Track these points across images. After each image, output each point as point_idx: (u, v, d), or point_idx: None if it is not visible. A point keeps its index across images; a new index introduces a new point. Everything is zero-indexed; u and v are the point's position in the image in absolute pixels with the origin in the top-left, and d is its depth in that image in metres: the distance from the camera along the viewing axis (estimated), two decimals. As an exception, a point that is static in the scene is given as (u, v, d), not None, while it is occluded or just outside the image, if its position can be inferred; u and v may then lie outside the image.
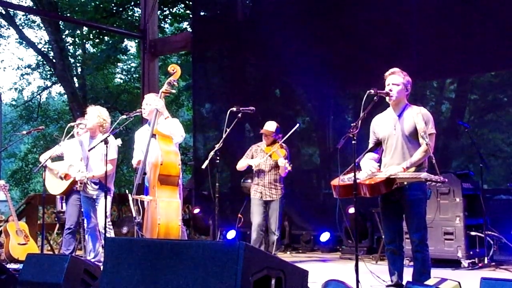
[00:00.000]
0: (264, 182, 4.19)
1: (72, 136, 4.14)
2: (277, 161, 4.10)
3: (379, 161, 2.88)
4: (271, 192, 4.17)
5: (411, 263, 2.95)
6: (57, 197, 4.87)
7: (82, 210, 4.00)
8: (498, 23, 4.86)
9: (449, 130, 5.83)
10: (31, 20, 12.92)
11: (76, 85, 11.99)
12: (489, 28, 4.91)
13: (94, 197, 3.83)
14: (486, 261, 4.06)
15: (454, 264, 4.04)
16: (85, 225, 3.92)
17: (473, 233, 4.11)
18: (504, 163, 6.08)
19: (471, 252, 4.08)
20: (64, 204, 4.45)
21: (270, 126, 4.23)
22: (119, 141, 3.84)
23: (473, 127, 5.76)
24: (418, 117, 2.73)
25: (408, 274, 2.85)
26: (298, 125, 4.31)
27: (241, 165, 4.33)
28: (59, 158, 4.28)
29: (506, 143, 6.37)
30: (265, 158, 4.16)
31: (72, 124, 4.10)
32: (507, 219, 4.18)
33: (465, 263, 4.02)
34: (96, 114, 3.86)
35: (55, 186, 4.15)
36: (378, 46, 5.51)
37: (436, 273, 2.83)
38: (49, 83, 13.59)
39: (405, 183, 2.72)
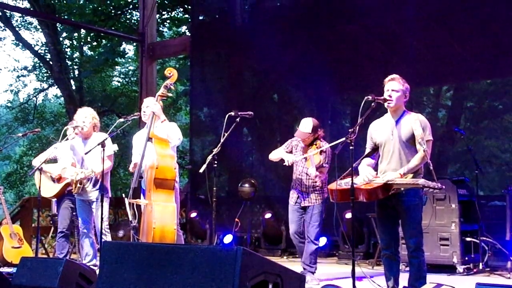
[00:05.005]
0: (302, 186, 3.68)
1: (66, 138, 4.13)
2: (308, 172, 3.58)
3: (376, 166, 2.89)
4: (310, 196, 3.66)
5: (407, 268, 2.96)
6: (53, 200, 4.85)
7: (76, 213, 3.98)
8: (494, 31, 4.92)
9: (445, 136, 5.87)
10: (28, 21, 12.89)
11: (73, 87, 11.95)
12: (485, 36, 4.97)
13: (93, 199, 3.81)
14: (481, 267, 4.09)
15: (449, 269, 4.05)
16: (81, 228, 3.90)
17: (468, 239, 4.13)
18: (499, 169, 6.13)
19: (466, 258, 4.10)
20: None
21: (305, 127, 3.60)
22: (115, 147, 3.82)
23: (469, 134, 5.80)
24: (416, 123, 2.76)
25: (404, 279, 2.86)
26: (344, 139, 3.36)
27: (275, 155, 3.71)
28: (53, 161, 4.25)
29: (501, 149, 6.42)
30: (300, 159, 3.61)
31: (69, 126, 4.08)
32: (501, 225, 4.21)
33: (460, 268, 4.04)
34: (91, 115, 3.88)
35: (47, 189, 4.11)
36: (376, 53, 5.56)
37: (432, 279, 2.84)
38: (45, 85, 13.54)
39: (402, 188, 2.74)
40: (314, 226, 3.65)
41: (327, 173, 3.71)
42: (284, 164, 3.65)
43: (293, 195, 3.76)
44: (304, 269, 3.71)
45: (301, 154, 3.68)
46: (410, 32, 5.24)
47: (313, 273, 3.68)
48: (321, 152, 3.59)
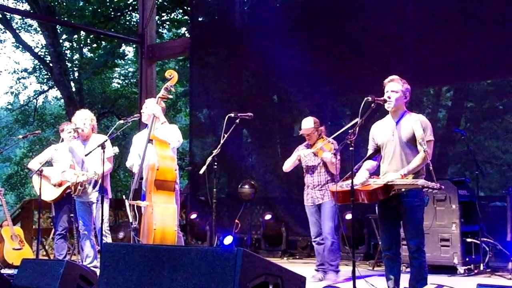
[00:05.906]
0: (314, 184, 3.76)
1: (61, 140, 4.13)
2: (323, 157, 3.64)
3: (378, 167, 2.89)
4: (322, 194, 3.72)
5: (408, 269, 2.96)
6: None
7: (74, 215, 3.98)
8: (494, 32, 4.92)
9: (445, 137, 5.86)
10: (28, 24, 12.91)
11: (73, 89, 11.97)
12: (486, 36, 4.97)
13: (93, 201, 3.81)
14: (481, 268, 4.08)
15: (450, 270, 4.05)
16: (81, 230, 3.89)
17: (469, 240, 4.13)
18: (500, 170, 6.12)
19: (467, 259, 4.10)
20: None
21: (307, 123, 3.76)
22: (116, 149, 3.82)
23: (469, 135, 5.79)
24: (417, 124, 2.76)
25: (405, 280, 2.86)
26: (357, 120, 3.59)
27: (287, 163, 3.84)
28: (48, 164, 4.22)
29: (501, 150, 6.41)
30: (308, 153, 3.72)
31: (65, 127, 4.08)
32: (502, 225, 4.20)
33: (461, 269, 4.04)
34: (90, 117, 3.90)
35: (47, 193, 4.08)
36: (375, 53, 5.56)
37: (433, 280, 2.84)
38: (45, 87, 13.56)
39: (403, 189, 2.73)
40: (327, 220, 3.72)
41: (340, 170, 3.70)
42: (299, 162, 3.78)
43: (306, 196, 3.85)
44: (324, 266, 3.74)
45: (311, 155, 3.77)
46: (409, 32, 5.25)
47: (335, 271, 3.70)
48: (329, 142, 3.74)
